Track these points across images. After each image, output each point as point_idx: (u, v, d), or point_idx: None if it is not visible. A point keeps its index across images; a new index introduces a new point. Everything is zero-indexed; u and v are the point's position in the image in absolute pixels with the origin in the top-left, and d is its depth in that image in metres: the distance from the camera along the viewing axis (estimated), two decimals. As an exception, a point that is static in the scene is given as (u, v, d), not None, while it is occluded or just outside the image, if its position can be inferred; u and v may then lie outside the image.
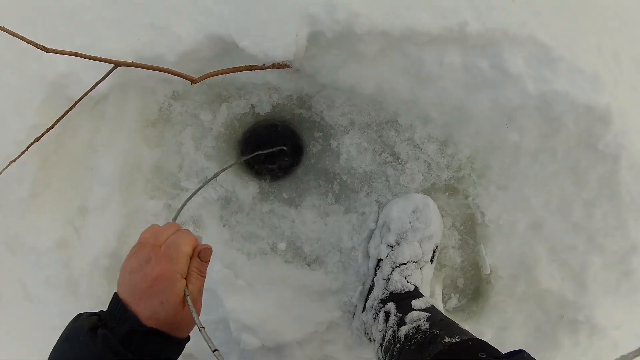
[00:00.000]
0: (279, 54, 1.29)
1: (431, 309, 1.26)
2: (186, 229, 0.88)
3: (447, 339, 1.06)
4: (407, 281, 1.33)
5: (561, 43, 1.32)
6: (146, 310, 0.75)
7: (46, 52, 1.08)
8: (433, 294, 1.44)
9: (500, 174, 1.41)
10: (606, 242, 1.37)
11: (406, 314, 1.24)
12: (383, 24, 1.30)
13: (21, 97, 1.31)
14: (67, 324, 0.78)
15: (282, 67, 1.36)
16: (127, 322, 0.75)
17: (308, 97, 1.44)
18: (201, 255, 0.84)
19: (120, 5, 1.32)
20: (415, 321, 1.20)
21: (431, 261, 1.39)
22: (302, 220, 1.45)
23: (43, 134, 1.27)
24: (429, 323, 1.17)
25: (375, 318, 1.34)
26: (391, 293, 1.33)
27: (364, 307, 1.39)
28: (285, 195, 1.48)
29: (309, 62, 1.36)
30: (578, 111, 1.30)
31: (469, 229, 1.47)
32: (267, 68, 1.34)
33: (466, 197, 1.44)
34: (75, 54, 1.11)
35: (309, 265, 1.45)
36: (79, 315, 0.79)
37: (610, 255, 1.38)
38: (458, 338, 1.06)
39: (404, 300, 1.30)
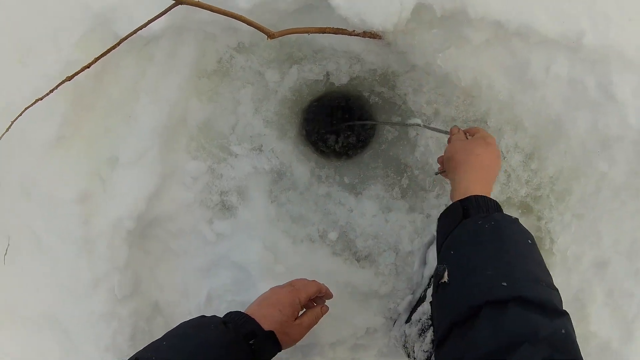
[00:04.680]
0: (376, 22, 1.12)
1: None
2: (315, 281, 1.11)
3: None
4: (465, 301, 1.22)
5: None
6: (266, 318, 0.95)
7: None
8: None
9: (579, 201, 1.30)
10: (665, 296, 1.30)
11: None
12: (499, 13, 1.15)
13: (61, 26, 1.12)
14: (182, 322, 0.93)
15: (374, 37, 1.19)
16: (249, 324, 0.93)
17: (394, 75, 1.27)
18: (322, 310, 1.09)
19: None
20: None
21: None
22: (361, 211, 1.30)
23: (77, 73, 1.09)
24: None
25: (420, 335, 1.22)
26: (444, 311, 1.22)
27: (409, 318, 1.27)
28: (346, 180, 1.32)
29: (404, 38, 1.18)
30: None
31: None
32: (357, 35, 1.16)
33: (539, 219, 1.32)
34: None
35: (358, 261, 1.31)
36: (203, 316, 0.95)
37: (667, 311, 1.30)
38: None
39: None
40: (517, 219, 0.86)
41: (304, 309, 1.07)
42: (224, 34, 1.23)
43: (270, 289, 1.04)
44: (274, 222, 1.27)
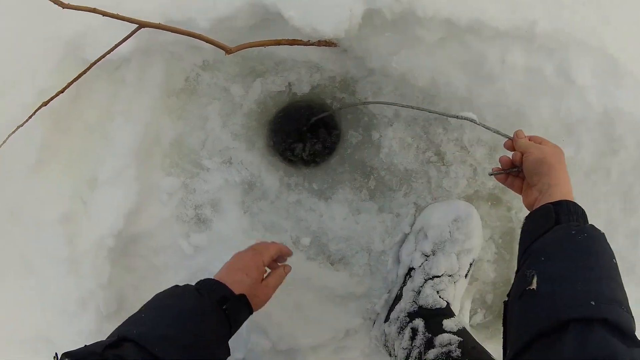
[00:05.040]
0: (328, 30, 1.15)
1: (463, 333, 1.16)
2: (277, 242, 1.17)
3: None
4: (440, 296, 1.23)
5: (630, 56, 1.22)
6: (236, 283, 0.99)
7: (63, 7, 0.99)
8: (461, 309, 1.34)
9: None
10: (647, 275, 1.29)
11: (436, 335, 1.14)
12: (449, 11, 1.18)
13: (35, 58, 1.18)
14: (157, 293, 0.96)
15: (329, 45, 1.22)
16: (220, 290, 0.97)
17: (353, 81, 1.30)
18: (285, 270, 1.14)
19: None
20: (446, 345, 1.10)
21: (466, 276, 1.29)
22: (331, 215, 1.33)
23: (52, 98, 1.14)
24: (460, 350, 1.08)
25: (399, 332, 1.23)
26: (420, 307, 1.23)
27: (388, 317, 1.29)
28: (315, 186, 1.35)
29: (359, 43, 1.22)
30: None
31: (507, 243, 1.36)
32: (313, 44, 1.20)
33: (509, 209, 1.34)
34: (94, 11, 1.01)
35: (332, 265, 1.33)
36: (177, 286, 0.98)
37: (650, 289, 1.29)
38: None
39: (434, 317, 1.20)
40: (604, 234, 0.85)
41: (268, 271, 1.12)
42: (189, 53, 1.29)
43: (235, 254, 1.09)
44: (248, 232, 1.30)
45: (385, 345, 1.29)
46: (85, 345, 0.79)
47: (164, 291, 0.96)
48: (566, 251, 0.82)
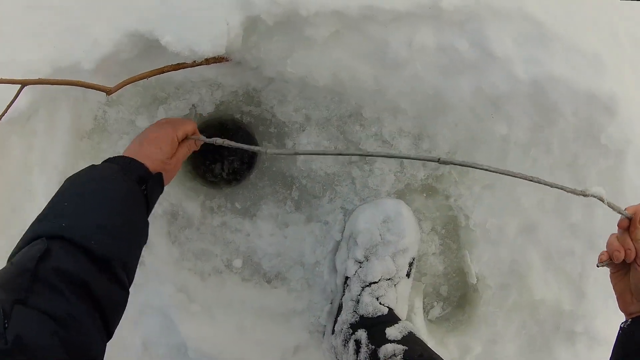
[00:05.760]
0: (206, 49, 1.08)
1: (409, 339, 1.10)
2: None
3: None
4: (380, 303, 1.17)
5: (555, 18, 1.10)
6: (149, 158, 0.92)
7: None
8: (412, 308, 1.28)
9: (485, 171, 1.21)
10: (608, 246, 1.19)
11: (379, 346, 1.09)
12: (335, 3, 1.08)
13: None
14: (72, 177, 0.87)
15: (219, 62, 1.16)
16: (138, 169, 0.89)
17: (256, 92, 1.23)
18: (197, 143, 1.06)
19: (39, 11, 1.12)
20: (390, 357, 1.05)
21: (407, 275, 1.22)
22: (258, 233, 1.28)
23: None
24: None
25: (344, 345, 1.19)
26: (361, 317, 1.18)
27: (333, 329, 1.25)
28: (238, 205, 1.30)
29: (250, 53, 1.15)
30: (578, 99, 1.10)
31: (451, 232, 1.29)
32: (200, 64, 1.14)
33: (447, 197, 1.25)
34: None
35: (269, 282, 1.29)
36: (93, 166, 0.89)
37: (613, 261, 1.19)
38: None
39: (376, 326, 1.15)
40: None
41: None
42: (90, 93, 1.25)
43: (149, 126, 1.02)
44: (179, 262, 1.28)
45: (337, 358, 1.26)
46: (10, 261, 0.70)
47: (79, 174, 0.87)
48: None
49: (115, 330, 1.35)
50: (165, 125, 1.01)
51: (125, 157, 0.92)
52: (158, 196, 0.96)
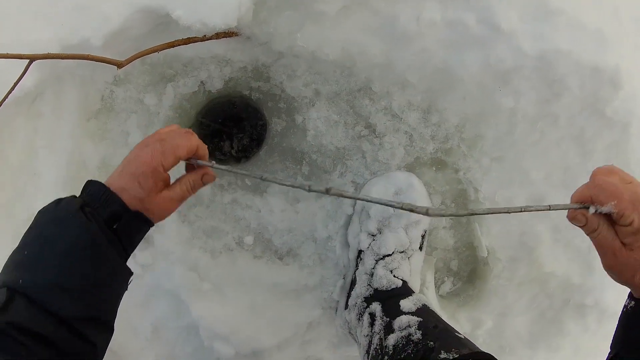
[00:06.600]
0: (218, 22, 1.09)
1: (423, 311, 1.10)
2: (194, 135, 0.86)
3: (443, 355, 0.91)
4: (394, 275, 1.18)
5: None
6: (126, 192, 0.77)
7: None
8: (424, 282, 1.28)
9: (494, 144, 1.23)
10: (617, 218, 1.21)
11: (394, 318, 1.09)
12: (346, -22, 1.09)
13: None
14: (41, 210, 0.78)
15: (229, 36, 1.16)
16: (111, 204, 0.76)
17: (265, 67, 1.23)
18: (204, 179, 0.90)
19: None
20: (405, 329, 1.05)
21: (420, 248, 1.23)
22: (269, 209, 1.27)
23: None
24: (421, 332, 1.02)
25: (359, 319, 1.19)
26: (376, 290, 1.18)
27: (347, 304, 1.25)
28: (248, 182, 1.30)
29: (260, 28, 1.15)
30: (583, 73, 1.13)
31: (461, 206, 1.29)
32: (210, 39, 1.14)
33: (456, 171, 1.26)
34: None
35: (281, 259, 1.29)
36: (59, 200, 0.78)
37: (622, 232, 1.21)
38: (456, 353, 0.91)
39: (391, 299, 1.15)
40: None
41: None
42: (98, 72, 1.24)
43: (138, 144, 0.83)
44: (189, 241, 1.27)
45: (350, 333, 1.26)
46: None
47: (47, 209, 0.77)
48: None
49: (125, 318, 1.34)
50: (149, 148, 0.80)
51: (101, 185, 0.78)
52: (142, 234, 0.82)
